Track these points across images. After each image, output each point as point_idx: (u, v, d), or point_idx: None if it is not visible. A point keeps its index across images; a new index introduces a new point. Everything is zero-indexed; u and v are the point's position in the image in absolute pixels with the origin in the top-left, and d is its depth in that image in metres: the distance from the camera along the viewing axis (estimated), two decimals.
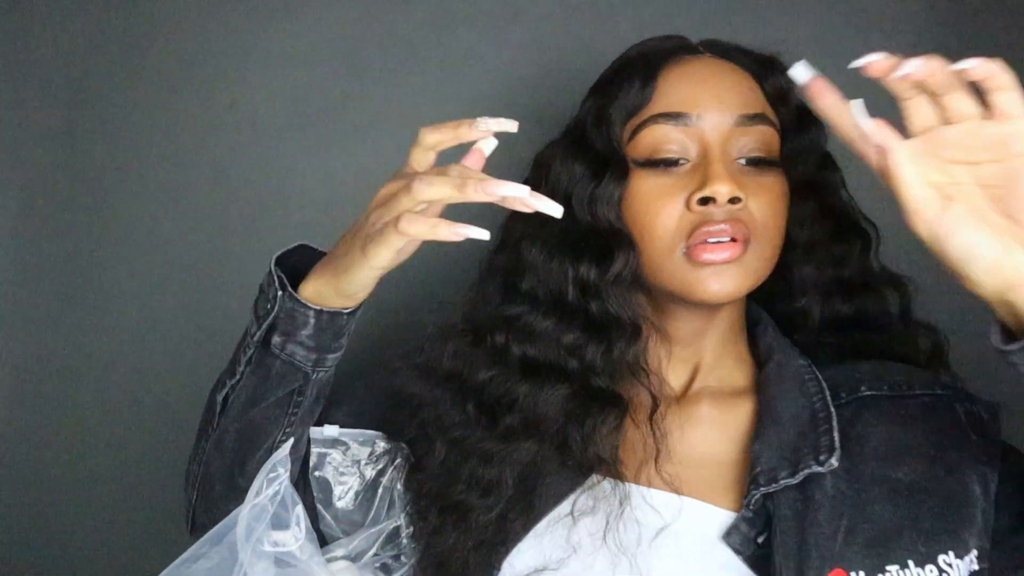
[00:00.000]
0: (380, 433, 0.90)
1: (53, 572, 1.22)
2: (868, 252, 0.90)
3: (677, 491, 0.81)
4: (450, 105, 1.21)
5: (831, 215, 0.87)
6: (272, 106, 1.21)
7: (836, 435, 0.80)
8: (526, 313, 0.84)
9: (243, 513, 0.70)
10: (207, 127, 1.21)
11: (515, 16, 1.21)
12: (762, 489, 0.78)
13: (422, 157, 0.75)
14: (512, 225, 0.88)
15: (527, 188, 0.68)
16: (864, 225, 0.91)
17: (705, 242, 0.78)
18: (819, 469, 0.78)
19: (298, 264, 0.81)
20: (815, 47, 1.20)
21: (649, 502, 0.80)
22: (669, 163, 0.81)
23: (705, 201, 0.79)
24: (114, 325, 1.21)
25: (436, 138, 0.74)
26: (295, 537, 0.70)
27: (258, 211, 1.20)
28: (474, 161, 0.74)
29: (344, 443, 0.88)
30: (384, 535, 0.86)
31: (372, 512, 0.88)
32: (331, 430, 0.88)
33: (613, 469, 0.81)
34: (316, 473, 0.88)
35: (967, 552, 0.76)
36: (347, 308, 0.78)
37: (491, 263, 0.89)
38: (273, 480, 0.69)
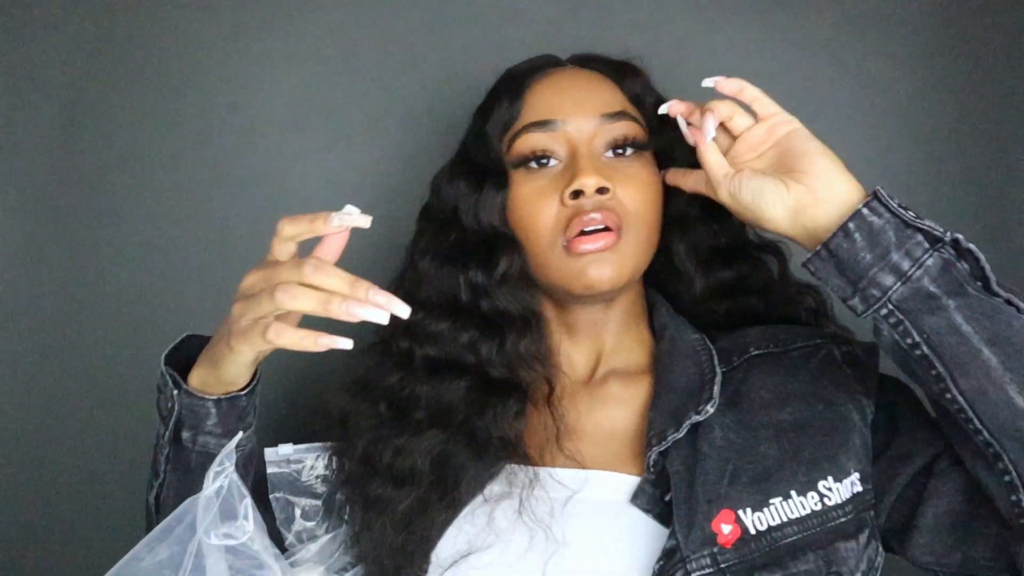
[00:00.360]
0: (333, 444, 0.92)
1: (53, 569, 1.23)
2: (743, 224, 0.97)
3: (581, 465, 0.87)
4: (450, 105, 1.20)
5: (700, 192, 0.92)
6: (272, 106, 1.21)
7: (716, 388, 0.87)
8: (423, 319, 0.91)
9: (191, 507, 0.70)
10: (207, 127, 1.21)
11: (515, 16, 1.21)
12: (655, 449, 0.84)
13: (282, 247, 0.76)
14: (412, 245, 0.96)
15: (386, 314, 0.70)
16: None
17: (581, 233, 0.86)
18: (697, 418, 0.85)
19: (190, 354, 0.83)
20: (815, 47, 1.20)
21: (557, 479, 0.86)
22: (540, 159, 0.90)
23: (576, 195, 0.87)
24: (114, 324, 1.22)
25: (294, 230, 0.75)
26: (244, 529, 0.70)
27: (258, 211, 1.20)
28: (328, 246, 0.75)
29: (299, 460, 0.91)
30: (348, 540, 0.88)
31: (331, 523, 0.90)
32: (285, 448, 0.91)
33: (520, 454, 0.87)
34: (276, 494, 0.90)
35: (846, 476, 0.83)
36: (239, 391, 0.81)
37: (399, 280, 0.96)
38: (219, 474, 0.70)
